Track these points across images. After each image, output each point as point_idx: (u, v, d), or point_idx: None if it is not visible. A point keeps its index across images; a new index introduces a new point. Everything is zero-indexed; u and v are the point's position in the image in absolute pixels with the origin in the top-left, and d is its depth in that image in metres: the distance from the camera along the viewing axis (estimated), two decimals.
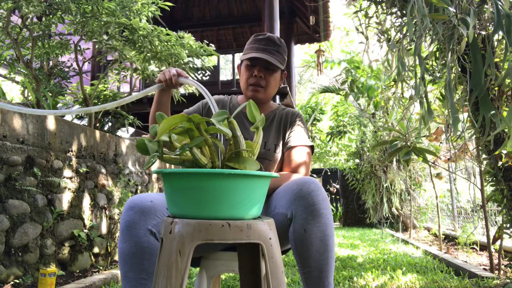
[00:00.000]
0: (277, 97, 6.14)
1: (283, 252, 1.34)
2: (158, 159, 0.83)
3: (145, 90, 1.28)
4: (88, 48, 3.92)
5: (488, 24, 1.83)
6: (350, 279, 2.52)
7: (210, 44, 4.32)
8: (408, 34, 1.76)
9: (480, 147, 2.07)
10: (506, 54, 1.52)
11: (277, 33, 6.28)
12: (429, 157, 2.98)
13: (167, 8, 3.57)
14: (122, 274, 1.10)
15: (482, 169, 2.38)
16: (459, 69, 1.87)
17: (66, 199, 2.65)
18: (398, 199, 5.86)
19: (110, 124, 4.58)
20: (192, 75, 6.53)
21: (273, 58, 1.41)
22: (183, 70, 3.93)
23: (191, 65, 4.01)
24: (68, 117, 3.50)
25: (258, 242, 0.83)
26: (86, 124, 3.73)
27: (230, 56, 11.01)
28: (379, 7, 2.29)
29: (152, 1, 3.43)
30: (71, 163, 2.73)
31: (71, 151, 2.79)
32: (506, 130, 1.65)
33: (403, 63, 1.81)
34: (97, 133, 3.12)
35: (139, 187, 3.65)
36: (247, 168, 0.84)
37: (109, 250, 3.02)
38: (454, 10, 1.62)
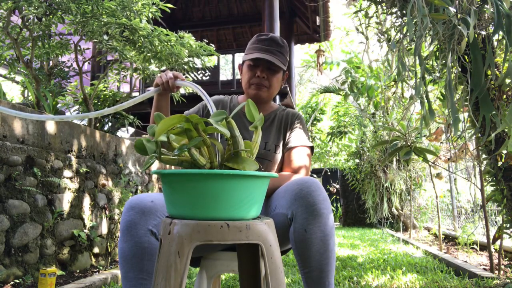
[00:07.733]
0: (277, 97, 6.14)
1: (283, 252, 1.34)
2: (156, 159, 0.83)
3: (142, 94, 1.28)
4: (88, 48, 3.92)
5: (488, 24, 1.83)
6: (350, 279, 2.51)
7: (210, 44, 4.32)
8: (408, 34, 1.75)
9: (480, 147, 2.07)
10: (506, 54, 1.51)
11: (277, 33, 6.28)
12: (429, 157, 2.98)
13: (167, 10, 3.57)
14: (122, 274, 1.10)
15: (482, 169, 2.37)
16: (459, 69, 1.87)
17: (66, 199, 2.65)
18: (398, 199, 5.85)
19: (110, 124, 4.57)
20: (192, 75, 6.52)
21: (275, 58, 1.40)
22: (183, 70, 3.94)
23: (191, 65, 4.01)
24: None
25: (257, 242, 0.83)
26: (86, 124, 3.73)
27: (230, 56, 11.01)
28: (379, 7, 2.28)
29: (152, 2, 3.42)
30: (71, 163, 2.73)
31: (71, 151, 2.79)
32: (506, 130, 1.65)
33: (403, 63, 1.81)
34: (97, 133, 3.12)
35: (139, 187, 3.64)
36: (246, 168, 0.84)
37: (109, 250, 3.02)
38: (455, 10, 1.62)
